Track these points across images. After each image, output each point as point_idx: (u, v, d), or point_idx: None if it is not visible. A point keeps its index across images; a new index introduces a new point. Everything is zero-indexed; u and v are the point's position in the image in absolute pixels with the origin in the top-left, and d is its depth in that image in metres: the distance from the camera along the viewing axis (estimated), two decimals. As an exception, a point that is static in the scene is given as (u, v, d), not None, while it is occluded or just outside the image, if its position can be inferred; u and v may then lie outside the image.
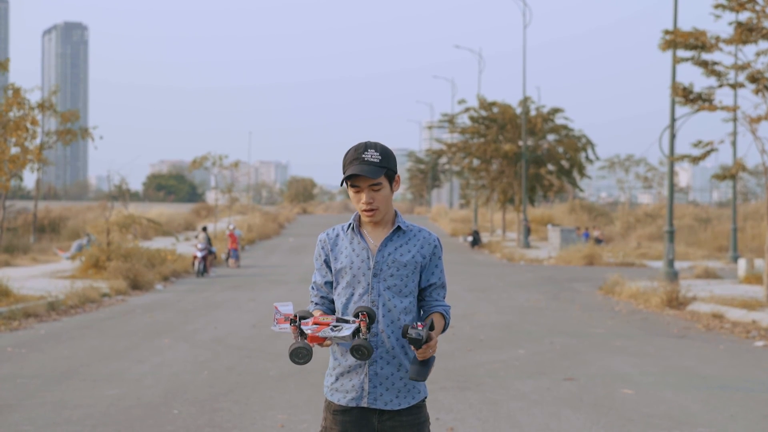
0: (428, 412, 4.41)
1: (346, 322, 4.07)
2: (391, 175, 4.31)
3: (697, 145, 21.46)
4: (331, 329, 4.03)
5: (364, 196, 4.26)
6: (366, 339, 4.01)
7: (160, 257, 27.90)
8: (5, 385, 10.48)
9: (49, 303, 18.17)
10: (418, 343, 4.01)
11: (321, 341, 4.05)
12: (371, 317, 4.11)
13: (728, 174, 22.17)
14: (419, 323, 4.06)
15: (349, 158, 4.26)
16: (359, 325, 4.04)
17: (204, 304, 19.96)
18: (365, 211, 4.28)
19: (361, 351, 3.99)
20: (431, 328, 4.13)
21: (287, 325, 4.09)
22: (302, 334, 4.06)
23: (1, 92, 20.49)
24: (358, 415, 4.27)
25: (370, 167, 4.22)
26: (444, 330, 4.36)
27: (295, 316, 4.09)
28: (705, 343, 14.65)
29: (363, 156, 4.23)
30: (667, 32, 21.20)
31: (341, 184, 4.34)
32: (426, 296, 4.38)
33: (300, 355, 4.00)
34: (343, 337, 4.01)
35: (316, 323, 4.06)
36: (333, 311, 4.40)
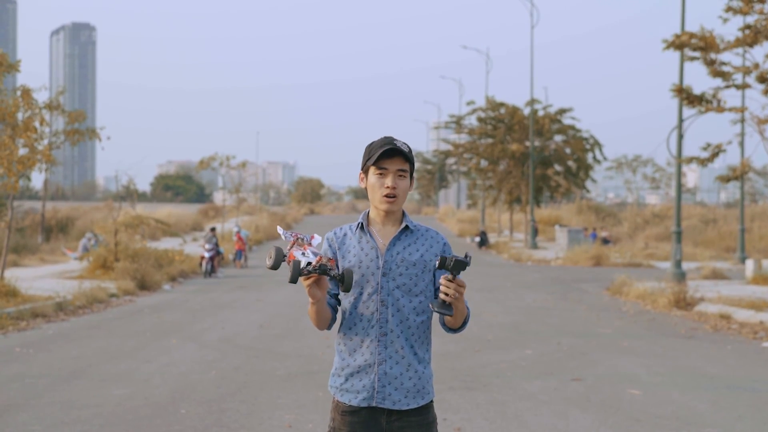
0: (436, 413, 4.41)
1: (316, 255, 4.12)
2: (412, 170, 4.37)
3: (706, 148, 21.42)
4: (302, 254, 4.09)
5: (388, 180, 4.28)
6: (305, 270, 4.05)
7: (167, 258, 27.93)
8: (13, 385, 10.51)
9: (57, 303, 18.20)
10: (461, 266, 3.99)
11: (293, 258, 4.11)
12: (345, 280, 4.12)
13: (732, 176, 22.10)
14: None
15: (378, 144, 4.29)
16: (315, 260, 4.07)
17: (211, 305, 19.98)
18: (386, 196, 4.28)
19: (291, 270, 4.05)
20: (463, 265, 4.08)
21: (292, 239, 4.16)
22: (291, 248, 4.15)
23: (9, 93, 20.50)
24: (367, 416, 4.26)
25: (403, 149, 4.28)
26: (465, 323, 4.32)
27: (309, 243, 4.17)
28: (712, 343, 14.64)
29: (394, 142, 4.28)
30: (676, 36, 21.05)
31: (362, 169, 4.35)
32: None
33: (269, 255, 4.09)
34: (299, 261, 4.07)
35: (303, 247, 4.14)
36: (333, 307, 4.39)
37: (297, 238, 4.16)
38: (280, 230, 4.23)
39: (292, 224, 68.31)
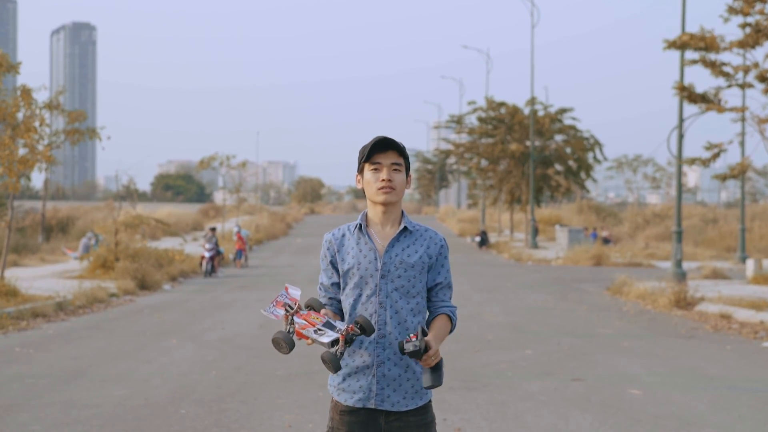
0: (434, 413, 4.41)
1: (333, 328, 4.07)
2: (408, 166, 4.36)
3: (709, 148, 21.39)
4: (315, 331, 4.04)
5: (383, 174, 4.27)
6: (338, 353, 4.02)
7: (168, 257, 27.92)
8: (13, 385, 10.50)
9: (57, 303, 18.20)
10: (417, 354, 3.99)
11: (305, 338, 4.07)
12: (365, 330, 4.10)
13: (730, 175, 22.05)
14: (412, 335, 4.05)
15: (371, 142, 4.31)
16: (339, 337, 4.04)
17: (212, 305, 19.98)
18: (382, 188, 4.27)
19: (326, 363, 4.02)
20: (424, 334, 4.08)
21: (281, 312, 4.11)
22: (292, 323, 4.08)
23: (9, 93, 20.48)
24: (365, 416, 4.26)
25: (395, 141, 4.29)
26: (451, 331, 4.34)
27: (297, 303, 4.13)
28: (713, 343, 14.63)
29: (386, 138, 4.30)
30: (680, 36, 21.02)
31: (358, 170, 4.36)
32: (432, 296, 4.37)
33: (279, 346, 4.04)
34: (322, 342, 4.03)
35: (306, 320, 4.08)
36: (341, 311, 4.40)
37: (285, 308, 4.13)
38: (265, 312, 4.17)
39: (293, 224, 68.31)
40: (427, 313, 4.37)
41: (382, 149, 4.28)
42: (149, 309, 19.07)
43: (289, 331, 4.06)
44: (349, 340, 4.04)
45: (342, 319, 4.37)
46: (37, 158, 19.75)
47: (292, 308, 4.10)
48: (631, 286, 22.38)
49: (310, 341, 4.07)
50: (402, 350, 4.02)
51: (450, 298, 4.41)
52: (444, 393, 9.97)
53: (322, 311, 4.17)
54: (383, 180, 4.26)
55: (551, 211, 62.17)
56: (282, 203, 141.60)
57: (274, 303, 4.14)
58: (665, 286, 21.03)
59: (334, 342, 4.04)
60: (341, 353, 4.03)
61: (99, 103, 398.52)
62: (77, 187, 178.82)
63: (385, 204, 4.32)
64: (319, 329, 4.04)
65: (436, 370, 4.10)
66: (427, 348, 4.04)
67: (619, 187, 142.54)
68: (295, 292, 4.18)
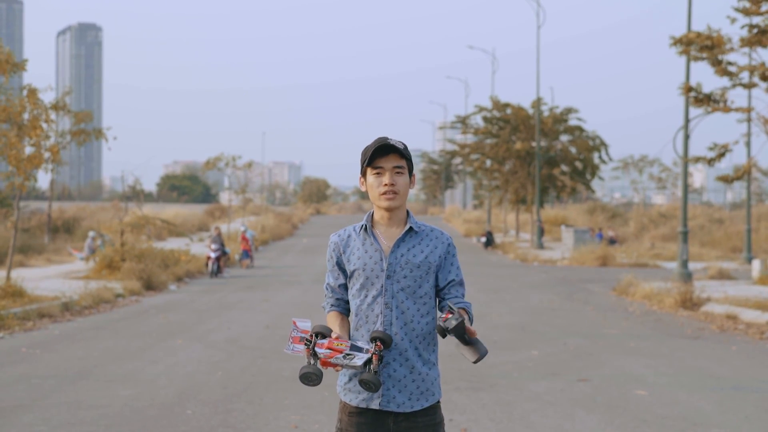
0: (443, 413, 4.40)
1: (360, 350, 4.09)
2: (410, 167, 4.35)
3: (712, 148, 21.36)
4: (344, 357, 4.06)
5: (386, 178, 4.26)
6: (376, 372, 4.05)
7: (173, 258, 27.94)
8: (20, 386, 10.52)
9: (63, 303, 18.22)
10: (461, 327, 3.99)
11: (333, 366, 4.08)
12: (386, 343, 4.12)
13: (735, 176, 21.99)
14: (443, 316, 4.05)
15: (373, 144, 4.30)
16: (371, 356, 4.07)
17: (217, 305, 19.99)
18: (385, 194, 4.26)
19: (368, 385, 4.04)
20: (451, 311, 4.06)
21: (302, 347, 4.12)
22: (315, 355, 4.08)
23: (16, 92, 20.51)
24: (373, 417, 4.25)
25: (397, 144, 4.27)
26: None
27: (312, 335, 4.12)
28: (719, 344, 14.61)
29: (388, 140, 4.28)
30: (687, 34, 21.01)
31: (361, 173, 4.36)
32: (445, 295, 4.34)
33: (310, 380, 4.05)
34: (355, 366, 4.05)
35: (330, 348, 4.08)
36: (348, 311, 4.40)
37: (304, 342, 4.14)
38: (287, 351, 4.18)
39: (298, 224, 68.31)
40: (438, 313, 4.35)
41: (383, 153, 4.27)
42: (155, 309, 19.09)
43: (313, 363, 4.07)
44: (380, 357, 4.09)
45: (348, 322, 4.39)
46: (44, 156, 19.77)
47: (309, 341, 4.11)
48: (637, 287, 22.36)
49: (339, 368, 4.09)
50: (444, 331, 4.01)
51: (463, 296, 4.38)
52: (450, 393, 9.98)
53: (335, 335, 4.17)
54: (386, 185, 4.26)
55: (557, 212, 62.11)
56: (287, 204, 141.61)
57: (291, 340, 4.16)
58: (671, 287, 21.02)
59: (367, 362, 4.07)
60: (377, 371, 4.06)
61: (105, 104, 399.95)
62: (83, 187, 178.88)
63: (388, 210, 4.33)
64: (348, 354, 4.07)
65: (476, 342, 4.09)
66: (461, 322, 4.02)
67: (625, 187, 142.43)
68: (305, 324, 4.20)
